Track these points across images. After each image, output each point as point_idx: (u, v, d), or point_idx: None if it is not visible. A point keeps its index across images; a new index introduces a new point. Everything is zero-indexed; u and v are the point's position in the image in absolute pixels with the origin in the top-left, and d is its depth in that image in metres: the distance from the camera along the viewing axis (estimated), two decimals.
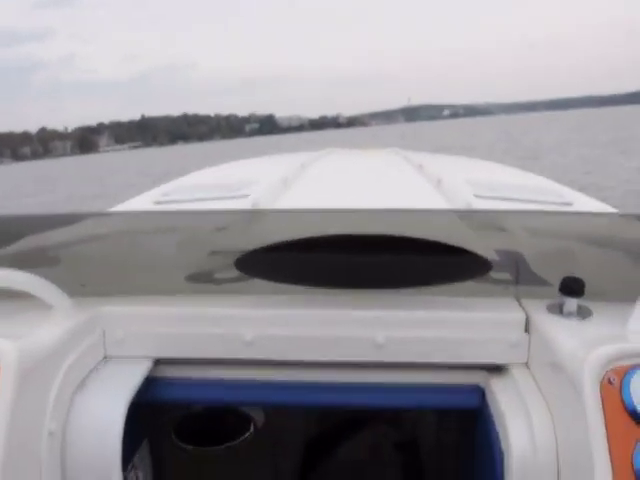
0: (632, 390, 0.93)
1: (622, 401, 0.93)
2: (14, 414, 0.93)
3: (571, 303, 1.16)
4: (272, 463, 2.35)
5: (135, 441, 1.36)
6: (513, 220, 1.35)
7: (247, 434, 2.14)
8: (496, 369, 1.19)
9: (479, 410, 1.19)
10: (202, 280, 1.32)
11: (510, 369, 1.17)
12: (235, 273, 1.25)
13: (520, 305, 1.21)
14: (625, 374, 0.94)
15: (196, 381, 1.24)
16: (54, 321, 1.14)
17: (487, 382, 1.18)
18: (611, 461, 0.89)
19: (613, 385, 0.94)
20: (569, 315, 1.16)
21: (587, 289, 1.14)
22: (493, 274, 1.23)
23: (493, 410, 1.13)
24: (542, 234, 1.31)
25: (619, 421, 0.92)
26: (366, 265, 1.21)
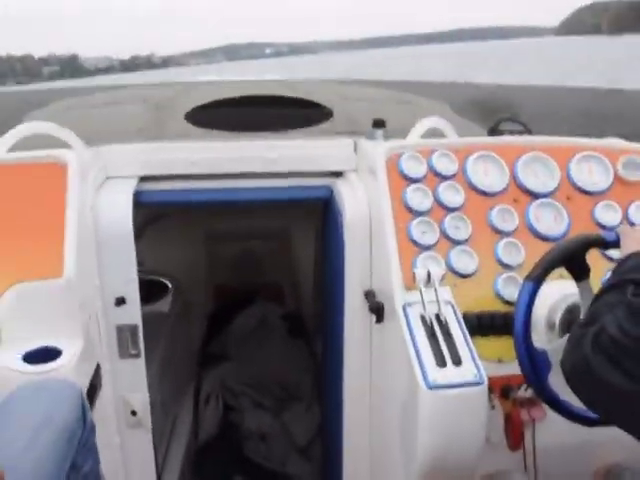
0: (402, 163, 1.62)
1: (397, 168, 1.63)
2: (78, 194, 1.56)
3: (378, 133, 1.88)
4: (184, 331, 2.96)
5: None
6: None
7: (166, 296, 2.76)
8: (339, 174, 1.86)
9: (330, 200, 1.84)
10: (160, 128, 2.00)
11: (346, 174, 1.85)
12: (183, 123, 1.96)
13: (351, 137, 1.92)
14: (399, 156, 1.64)
15: (165, 190, 1.86)
16: (77, 152, 1.72)
17: (334, 183, 1.84)
18: (391, 199, 1.59)
19: (393, 161, 1.64)
20: (377, 139, 1.87)
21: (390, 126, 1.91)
22: (336, 120, 1.97)
23: (337, 197, 1.79)
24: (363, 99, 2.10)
25: (395, 178, 1.62)
26: (260, 117, 1.95)
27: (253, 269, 3.44)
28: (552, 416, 1.40)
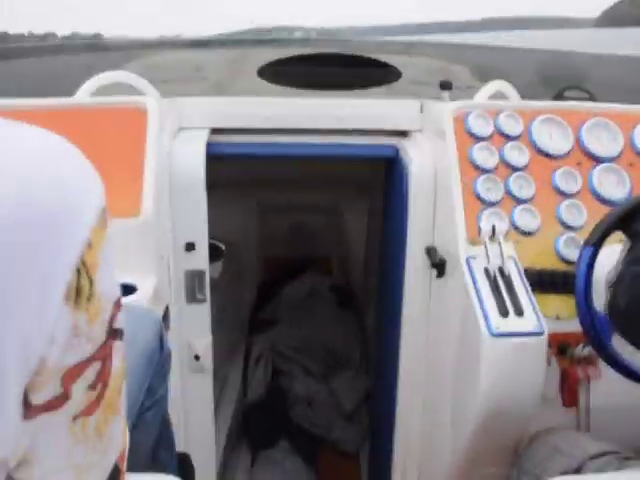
0: (469, 121, 1.65)
1: (464, 126, 1.65)
2: (157, 140, 1.62)
3: (445, 94, 1.93)
4: (235, 294, 3.04)
5: None
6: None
7: (219, 260, 2.82)
8: (404, 134, 1.90)
9: (395, 158, 1.88)
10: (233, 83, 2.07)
11: (412, 133, 1.88)
12: (256, 79, 1.99)
13: (417, 97, 1.94)
14: (466, 115, 1.66)
15: (236, 143, 1.92)
16: (156, 101, 1.78)
17: (399, 142, 1.88)
18: (458, 156, 1.62)
19: (460, 119, 1.66)
20: (444, 100, 1.91)
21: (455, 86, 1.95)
22: (403, 81, 2.00)
23: (403, 155, 1.82)
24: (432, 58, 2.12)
25: (462, 136, 1.64)
26: (331, 75, 2.00)
27: (304, 242, 3.49)
28: (608, 376, 1.42)
